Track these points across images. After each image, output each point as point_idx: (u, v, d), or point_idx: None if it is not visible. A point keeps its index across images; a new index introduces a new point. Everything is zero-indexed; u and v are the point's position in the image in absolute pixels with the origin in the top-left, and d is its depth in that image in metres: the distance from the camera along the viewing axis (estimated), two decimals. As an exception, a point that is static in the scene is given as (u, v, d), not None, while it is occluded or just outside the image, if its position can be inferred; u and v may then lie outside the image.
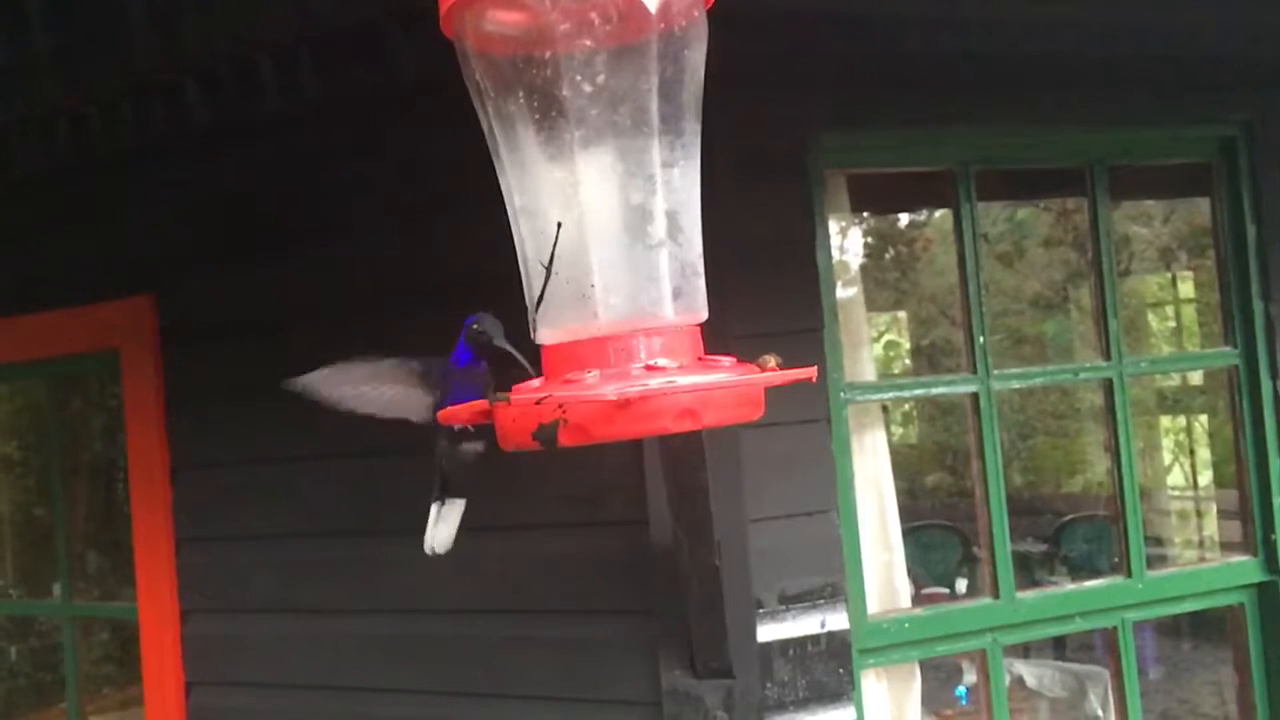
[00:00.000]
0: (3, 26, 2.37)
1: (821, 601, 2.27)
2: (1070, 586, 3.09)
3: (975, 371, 2.55)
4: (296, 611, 2.81)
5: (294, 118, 2.54)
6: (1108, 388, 2.71)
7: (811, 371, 1.04)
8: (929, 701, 3.93)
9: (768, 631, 2.23)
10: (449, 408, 1.13)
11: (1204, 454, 8.59)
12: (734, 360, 1.06)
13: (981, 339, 2.56)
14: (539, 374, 1.06)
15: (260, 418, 2.73)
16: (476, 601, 2.51)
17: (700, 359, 1.04)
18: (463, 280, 2.28)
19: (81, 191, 3.07)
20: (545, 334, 1.05)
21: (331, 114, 2.56)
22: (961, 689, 5.49)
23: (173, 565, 2.97)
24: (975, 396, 2.55)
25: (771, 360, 1.05)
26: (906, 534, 2.86)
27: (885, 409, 2.96)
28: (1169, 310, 8.98)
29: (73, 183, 3.01)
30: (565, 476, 2.30)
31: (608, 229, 1.02)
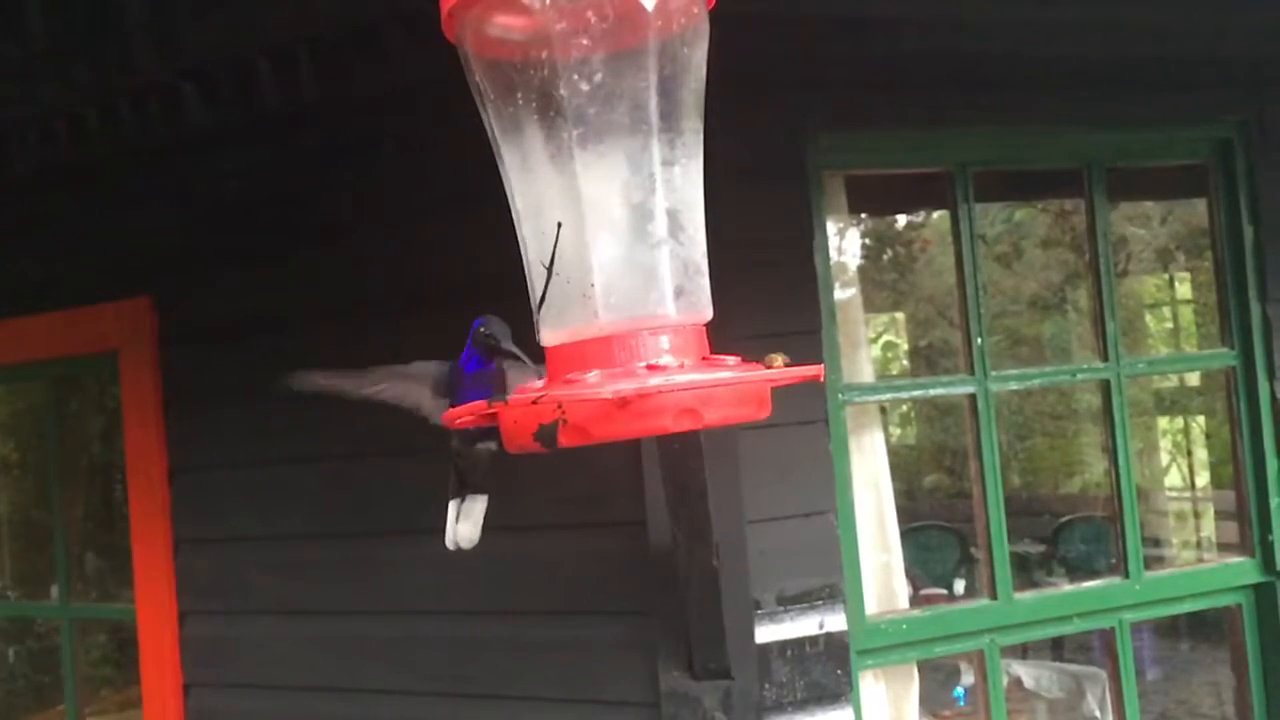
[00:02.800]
0: (1, 27, 2.36)
1: (820, 602, 2.27)
2: (1068, 587, 3.09)
3: (973, 372, 2.55)
4: (295, 613, 2.81)
5: (293, 119, 2.54)
6: (1105, 389, 2.71)
7: (818, 369, 1.04)
8: (927, 702, 3.93)
9: (766, 632, 2.23)
10: (452, 410, 1.13)
11: (1201, 455, 8.60)
12: (739, 359, 1.05)
13: (979, 340, 2.56)
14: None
15: (258, 419, 2.74)
16: (475, 602, 2.51)
17: (705, 358, 1.03)
18: (463, 282, 2.29)
19: (80, 193, 3.06)
20: (548, 335, 1.04)
21: (331, 115, 2.57)
22: (959, 690, 5.48)
23: (171, 567, 2.97)
24: (973, 397, 2.55)
25: (779, 359, 1.04)
26: (904, 535, 2.86)
27: (883, 410, 2.96)
28: (1167, 311, 8.99)
29: (71, 184, 3.01)
30: (564, 477, 2.30)
31: (608, 228, 1.01)
